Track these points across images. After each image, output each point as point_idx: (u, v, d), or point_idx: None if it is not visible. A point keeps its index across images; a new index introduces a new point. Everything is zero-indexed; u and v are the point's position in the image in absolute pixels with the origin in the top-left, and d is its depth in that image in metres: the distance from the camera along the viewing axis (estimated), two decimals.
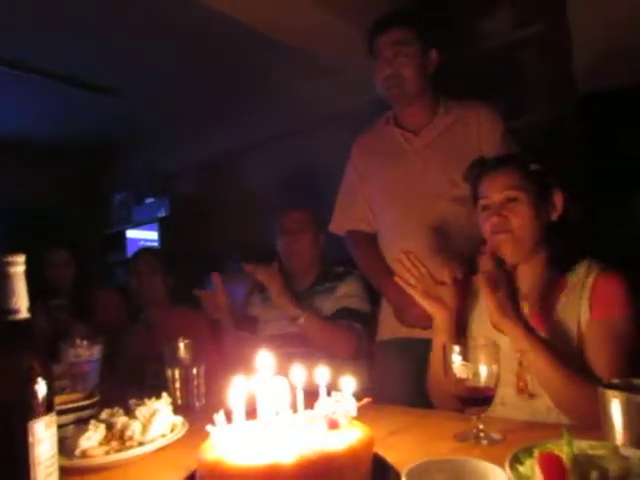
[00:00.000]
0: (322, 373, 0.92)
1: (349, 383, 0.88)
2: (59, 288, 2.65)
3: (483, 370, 1.07)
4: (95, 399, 1.25)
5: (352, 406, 0.85)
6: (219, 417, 0.82)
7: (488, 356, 1.07)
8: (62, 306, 2.57)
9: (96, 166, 5.40)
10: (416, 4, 2.58)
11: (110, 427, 1.05)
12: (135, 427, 1.04)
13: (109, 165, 5.42)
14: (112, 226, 5.18)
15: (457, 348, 1.08)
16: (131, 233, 5.04)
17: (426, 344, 1.88)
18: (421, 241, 1.91)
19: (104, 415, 1.12)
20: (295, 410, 0.85)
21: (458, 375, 1.07)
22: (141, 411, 1.08)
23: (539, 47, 3.01)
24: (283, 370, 0.90)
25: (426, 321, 1.85)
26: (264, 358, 0.86)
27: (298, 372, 0.90)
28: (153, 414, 1.07)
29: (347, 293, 2.13)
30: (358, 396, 0.88)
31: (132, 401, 1.16)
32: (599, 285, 1.31)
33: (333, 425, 0.82)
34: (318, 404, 0.86)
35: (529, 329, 1.25)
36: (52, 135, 4.88)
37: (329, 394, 0.89)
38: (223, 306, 2.09)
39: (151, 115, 4.50)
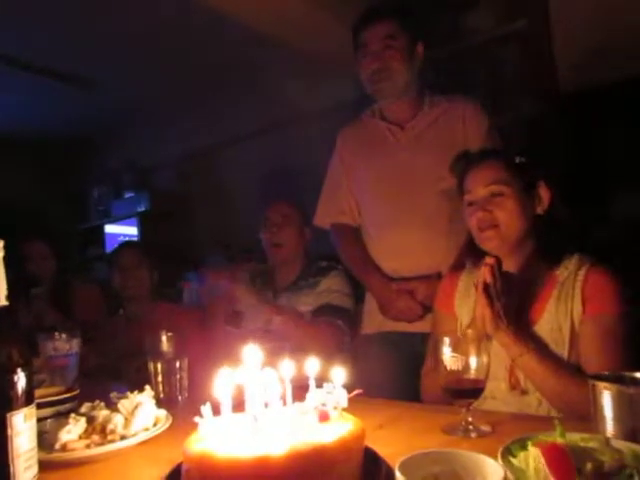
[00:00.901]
0: (311, 365, 0.90)
1: (339, 374, 0.86)
2: (39, 280, 2.58)
3: (473, 362, 1.06)
4: (75, 392, 1.22)
5: (343, 398, 0.83)
6: (206, 409, 0.79)
7: (478, 348, 1.06)
8: (41, 294, 2.51)
9: (75, 160, 5.30)
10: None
11: (91, 421, 1.02)
12: (117, 420, 1.01)
13: (88, 159, 5.32)
14: (90, 220, 5.09)
15: (447, 340, 1.07)
16: (110, 228, 4.95)
17: (411, 337, 1.89)
18: (407, 234, 1.91)
19: (84, 409, 1.08)
20: (284, 402, 0.82)
21: (448, 367, 1.06)
22: (123, 404, 1.05)
23: (521, 44, 3.02)
24: (270, 363, 0.88)
25: (412, 314, 1.86)
26: (251, 350, 0.83)
27: (287, 364, 0.88)
28: (136, 407, 1.04)
29: (329, 288, 2.12)
30: (348, 388, 0.86)
31: (114, 394, 1.13)
32: (591, 280, 1.30)
33: (324, 417, 0.80)
34: (308, 396, 0.83)
35: (520, 335, 1.24)
36: (30, 129, 4.77)
37: (319, 386, 0.87)
38: (220, 310, 2.08)
39: (131, 109, 4.42)
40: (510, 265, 1.40)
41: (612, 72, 2.64)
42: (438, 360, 1.09)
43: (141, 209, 4.61)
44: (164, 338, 1.40)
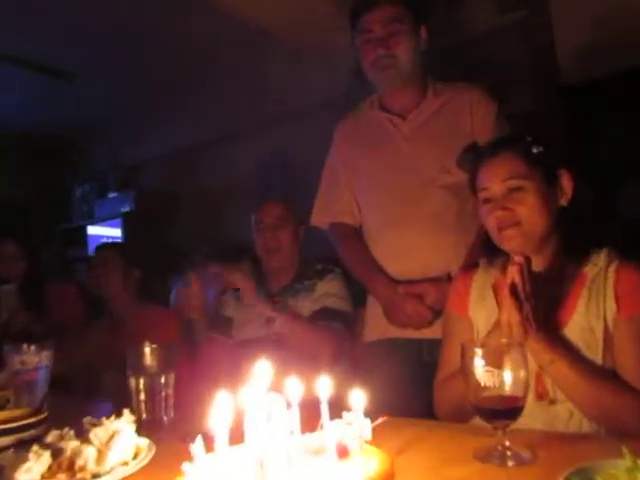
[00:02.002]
0: (323, 384, 0.75)
1: (360, 399, 0.70)
2: (7, 281, 2.45)
3: (509, 376, 0.90)
4: (42, 416, 1.05)
5: (366, 428, 0.67)
6: (196, 446, 0.63)
7: (515, 359, 0.91)
8: (12, 292, 2.38)
9: (58, 158, 5.13)
10: None
11: (57, 454, 0.84)
12: (89, 454, 0.83)
13: (72, 157, 5.15)
14: (72, 220, 4.91)
15: (479, 351, 0.91)
16: (93, 230, 4.77)
17: (419, 344, 1.75)
18: (413, 233, 1.77)
19: (51, 438, 0.91)
20: (293, 433, 0.67)
21: (482, 383, 0.90)
22: (97, 434, 0.87)
23: (521, 35, 2.93)
24: (276, 383, 0.72)
25: (421, 320, 1.71)
26: (258, 367, 0.67)
27: (294, 384, 0.72)
28: (112, 437, 0.87)
29: (327, 292, 1.98)
30: (371, 414, 0.71)
31: (87, 419, 0.96)
32: (623, 277, 1.18)
33: (343, 453, 0.65)
34: (324, 426, 0.68)
35: (550, 341, 1.11)
36: (12, 126, 4.58)
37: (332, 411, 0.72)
38: (198, 305, 1.91)
39: (116, 105, 4.26)
40: (534, 264, 1.26)
41: (613, 64, 2.55)
42: (468, 374, 0.93)
43: (125, 209, 4.44)
44: (147, 350, 1.23)
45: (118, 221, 4.50)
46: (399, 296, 1.72)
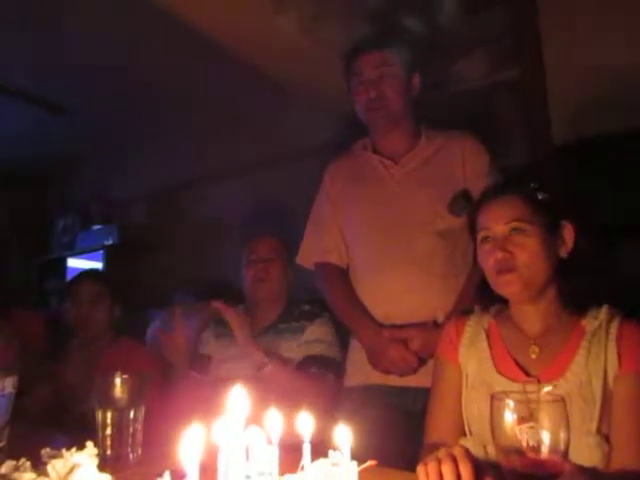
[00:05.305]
0: (305, 422, 0.69)
1: (346, 438, 0.65)
2: None
3: (546, 436, 0.78)
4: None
5: (353, 472, 0.61)
6: None
7: (554, 416, 0.79)
8: None
9: (41, 189, 5.06)
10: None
11: None
12: None
13: (55, 188, 5.07)
14: (52, 252, 4.80)
15: (511, 403, 0.80)
16: (73, 262, 4.66)
17: (403, 393, 1.68)
18: (398, 276, 1.74)
19: (5, 469, 0.83)
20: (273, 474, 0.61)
21: (522, 442, 0.77)
22: (54, 466, 0.80)
23: (514, 92, 2.98)
24: (255, 418, 0.67)
25: (405, 366, 1.66)
26: (234, 398, 0.62)
27: (274, 420, 0.66)
28: (70, 471, 0.80)
29: (318, 338, 1.93)
30: (360, 454, 0.65)
31: (45, 451, 0.88)
32: (626, 334, 1.15)
33: None
34: (307, 467, 0.62)
35: None
36: None
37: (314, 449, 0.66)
38: (182, 348, 1.86)
39: (101, 139, 4.23)
40: (532, 312, 1.24)
41: (609, 125, 2.58)
42: (497, 431, 0.82)
43: (108, 242, 4.36)
44: (118, 381, 1.16)
45: (100, 254, 4.40)
46: (384, 340, 1.67)
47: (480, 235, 1.28)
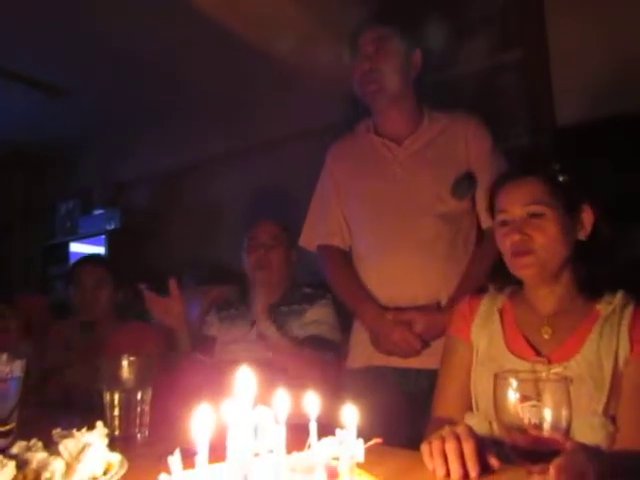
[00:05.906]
0: (312, 402, 0.71)
1: (353, 417, 0.66)
2: None
3: (548, 414, 0.79)
4: (9, 427, 0.99)
5: (359, 449, 0.63)
6: (174, 460, 0.58)
7: (556, 395, 0.80)
8: None
9: (42, 173, 5.05)
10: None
11: (22, 466, 0.79)
12: (56, 467, 0.78)
13: (57, 172, 5.05)
14: (55, 237, 4.80)
15: (514, 382, 0.81)
16: (76, 247, 4.66)
17: (404, 373, 1.70)
18: (403, 260, 1.74)
19: (17, 449, 0.85)
20: (280, 452, 0.62)
21: (524, 420, 0.78)
22: (66, 445, 0.82)
23: (518, 73, 2.95)
24: (263, 398, 0.68)
25: (408, 348, 1.67)
26: (243, 379, 0.63)
27: (282, 400, 0.68)
28: (82, 450, 0.81)
29: (318, 320, 1.94)
30: (363, 435, 0.67)
31: (56, 432, 0.90)
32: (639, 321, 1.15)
33: (333, 475, 0.60)
34: (313, 445, 0.63)
35: None
36: None
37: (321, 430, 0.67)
38: (176, 313, 1.85)
39: (103, 122, 4.20)
40: (547, 295, 1.25)
41: (612, 105, 2.56)
42: (500, 409, 0.83)
43: (111, 227, 4.36)
44: (125, 363, 1.17)
45: (102, 238, 4.41)
46: (387, 323, 1.68)
47: (498, 218, 1.28)
